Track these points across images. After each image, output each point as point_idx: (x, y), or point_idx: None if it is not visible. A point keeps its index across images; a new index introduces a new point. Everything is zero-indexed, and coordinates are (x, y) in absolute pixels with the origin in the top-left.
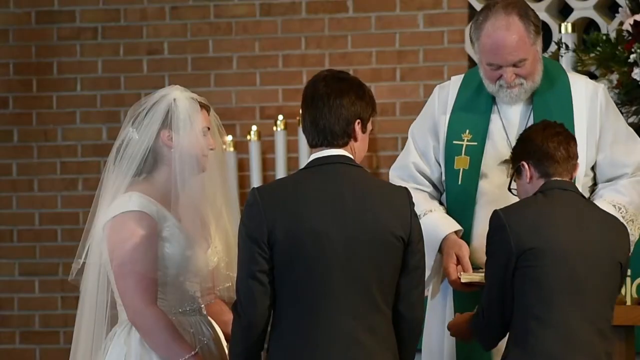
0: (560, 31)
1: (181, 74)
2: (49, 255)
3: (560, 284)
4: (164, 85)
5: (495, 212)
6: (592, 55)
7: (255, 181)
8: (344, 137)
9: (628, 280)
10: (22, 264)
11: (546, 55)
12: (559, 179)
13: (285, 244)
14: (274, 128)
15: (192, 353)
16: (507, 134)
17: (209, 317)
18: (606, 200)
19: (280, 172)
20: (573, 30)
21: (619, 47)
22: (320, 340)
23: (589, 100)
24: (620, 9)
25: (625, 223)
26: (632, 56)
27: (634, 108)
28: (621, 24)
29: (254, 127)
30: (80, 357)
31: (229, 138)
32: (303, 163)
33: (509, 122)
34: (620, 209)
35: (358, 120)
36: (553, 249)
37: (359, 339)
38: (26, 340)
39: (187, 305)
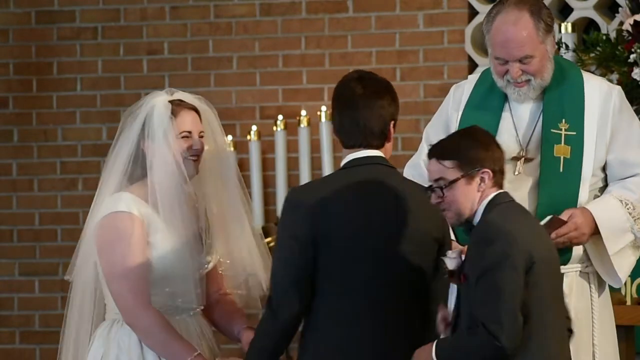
0: (560, 31)
1: (181, 74)
2: (49, 255)
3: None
4: (164, 86)
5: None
6: (592, 55)
7: (255, 181)
8: (381, 138)
9: (628, 280)
10: (22, 264)
11: None
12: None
13: (327, 244)
14: (274, 128)
15: (195, 354)
16: (516, 132)
17: (204, 320)
18: (613, 195)
19: (280, 172)
20: (573, 30)
21: (619, 47)
22: (359, 340)
23: (602, 100)
24: (620, 9)
25: (633, 220)
26: (632, 56)
27: (634, 108)
28: (621, 24)
29: (254, 127)
30: (70, 356)
31: (229, 138)
32: (303, 163)
33: (519, 119)
34: (627, 204)
35: (392, 121)
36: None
37: (394, 339)
38: (26, 340)
39: (174, 308)
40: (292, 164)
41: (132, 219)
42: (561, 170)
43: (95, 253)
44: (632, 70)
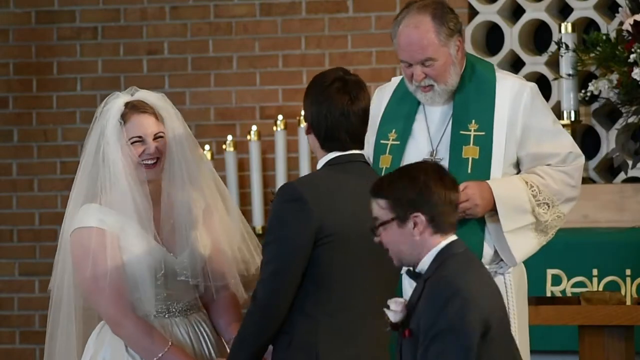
0: (560, 31)
1: (181, 74)
2: (49, 255)
3: None
4: (164, 85)
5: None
6: (592, 55)
7: (255, 181)
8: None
9: (628, 280)
10: (22, 264)
11: (546, 55)
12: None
13: (329, 241)
14: (274, 128)
15: (165, 349)
16: (429, 134)
17: (201, 322)
18: (520, 176)
19: (280, 172)
20: (573, 30)
21: (619, 47)
22: (353, 340)
23: (512, 99)
24: (620, 9)
25: (536, 203)
26: (632, 56)
27: (634, 108)
28: (621, 24)
29: (254, 127)
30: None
31: (229, 138)
32: (303, 163)
33: (432, 122)
34: (532, 187)
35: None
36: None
37: (380, 340)
38: (26, 340)
39: (157, 309)
40: (292, 164)
41: (97, 233)
42: (469, 171)
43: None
44: (632, 70)
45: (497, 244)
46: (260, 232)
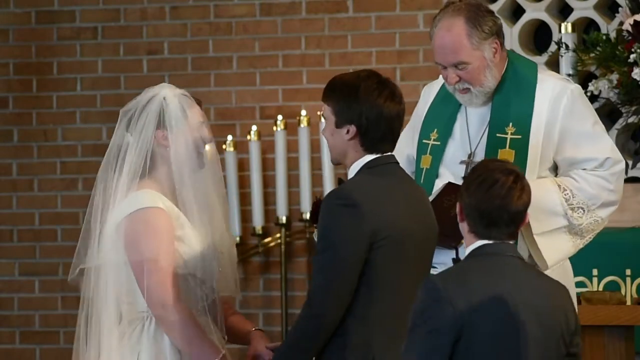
0: (560, 31)
1: (181, 74)
2: (49, 255)
3: None
4: None
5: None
6: (592, 55)
7: (255, 181)
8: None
9: (628, 280)
10: (22, 264)
11: (546, 55)
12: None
13: (381, 244)
14: (274, 128)
15: (220, 355)
16: (469, 135)
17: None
18: (553, 179)
19: (280, 172)
20: (573, 30)
21: (619, 47)
22: (401, 339)
23: (552, 101)
24: (620, 9)
25: (568, 207)
26: (632, 56)
27: (634, 108)
28: (621, 24)
29: (254, 127)
30: (106, 356)
31: (229, 138)
32: (303, 163)
33: (471, 123)
34: (565, 190)
35: None
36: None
37: None
38: (26, 340)
39: (198, 304)
40: (292, 164)
41: (161, 213)
42: None
43: (120, 251)
44: (632, 70)
45: (530, 247)
46: (260, 232)
